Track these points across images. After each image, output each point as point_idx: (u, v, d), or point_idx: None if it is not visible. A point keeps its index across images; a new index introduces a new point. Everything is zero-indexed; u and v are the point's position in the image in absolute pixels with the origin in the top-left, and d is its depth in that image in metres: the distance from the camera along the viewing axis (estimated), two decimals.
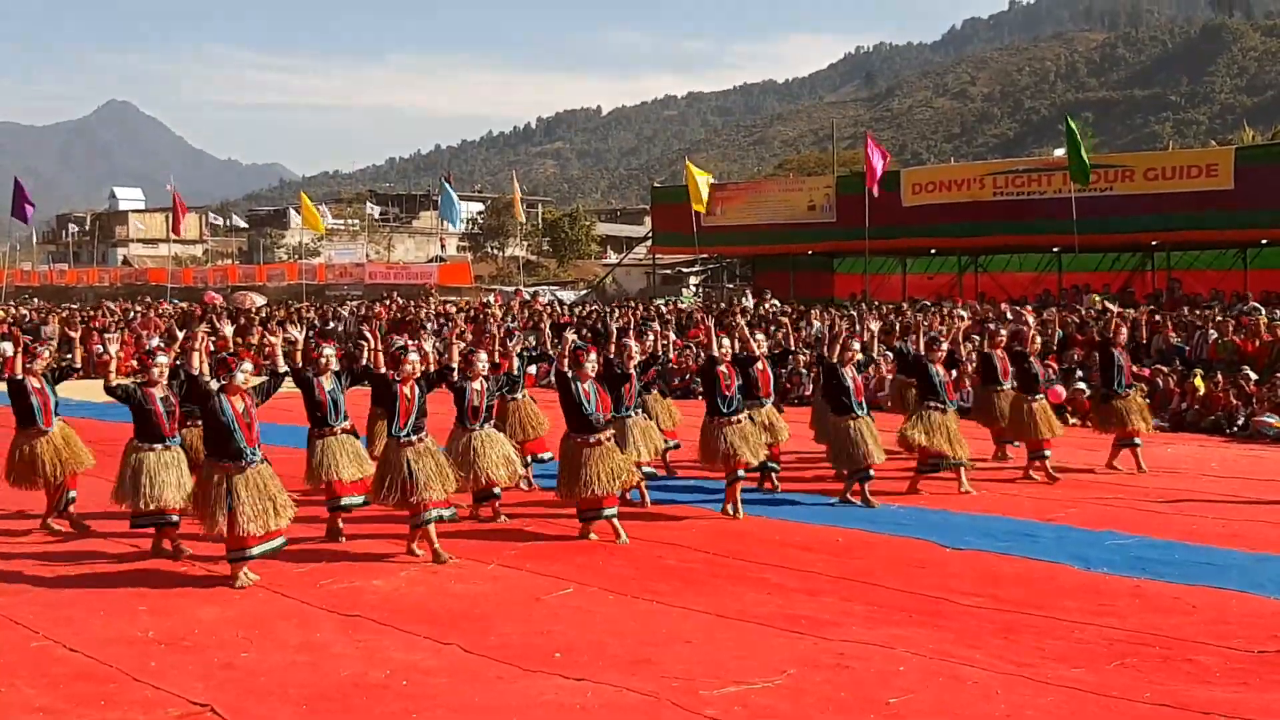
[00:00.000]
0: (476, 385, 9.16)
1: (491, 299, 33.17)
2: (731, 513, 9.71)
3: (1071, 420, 14.87)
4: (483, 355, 9.41)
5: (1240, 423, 15.18)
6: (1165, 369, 16.80)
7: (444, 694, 5.46)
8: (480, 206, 71.73)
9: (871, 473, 10.27)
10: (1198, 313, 19.32)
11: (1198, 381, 16.15)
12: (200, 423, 8.22)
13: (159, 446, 8.39)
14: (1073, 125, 23.96)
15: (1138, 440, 12.07)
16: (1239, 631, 6.38)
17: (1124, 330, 12.60)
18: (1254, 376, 15.65)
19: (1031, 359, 11.87)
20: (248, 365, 7.97)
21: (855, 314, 21.65)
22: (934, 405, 10.66)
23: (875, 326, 12.60)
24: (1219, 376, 16.07)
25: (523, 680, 5.63)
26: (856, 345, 10.68)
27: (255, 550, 7.61)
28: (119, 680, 5.67)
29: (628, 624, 6.63)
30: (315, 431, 8.92)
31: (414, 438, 8.30)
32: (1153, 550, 8.42)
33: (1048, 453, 11.63)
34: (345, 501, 8.81)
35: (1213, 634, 6.33)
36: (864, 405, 10.36)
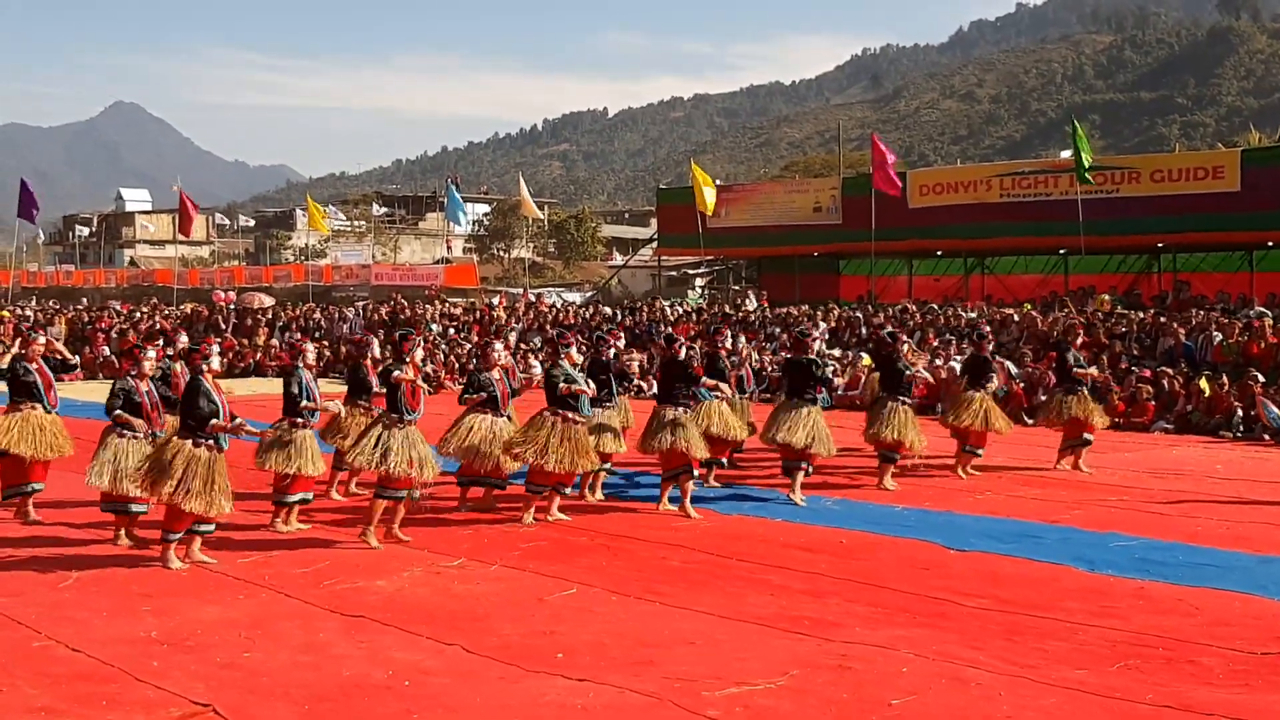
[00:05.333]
0: (495, 375, 9.56)
1: (496, 300, 33.19)
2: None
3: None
4: (499, 345, 9.87)
5: (1245, 424, 15.14)
6: (1170, 371, 16.78)
7: (446, 695, 5.46)
8: (486, 208, 71.83)
9: (809, 467, 10.29)
10: (1202, 314, 19.26)
11: (1203, 383, 16.12)
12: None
13: (140, 437, 8.59)
14: (1079, 128, 23.93)
15: (1089, 437, 12.17)
16: (1242, 633, 6.36)
17: (1079, 329, 12.74)
18: (1261, 379, 15.61)
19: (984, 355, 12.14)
20: (214, 349, 8.21)
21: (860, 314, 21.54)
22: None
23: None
24: (1224, 378, 16.04)
25: (525, 681, 5.63)
26: (816, 334, 10.78)
27: (201, 528, 7.90)
28: (121, 680, 5.67)
29: (630, 625, 6.63)
30: (289, 421, 9.16)
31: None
32: (1156, 552, 8.41)
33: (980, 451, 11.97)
34: (298, 497, 9.09)
35: (1215, 636, 6.31)
36: (821, 399, 10.46)
